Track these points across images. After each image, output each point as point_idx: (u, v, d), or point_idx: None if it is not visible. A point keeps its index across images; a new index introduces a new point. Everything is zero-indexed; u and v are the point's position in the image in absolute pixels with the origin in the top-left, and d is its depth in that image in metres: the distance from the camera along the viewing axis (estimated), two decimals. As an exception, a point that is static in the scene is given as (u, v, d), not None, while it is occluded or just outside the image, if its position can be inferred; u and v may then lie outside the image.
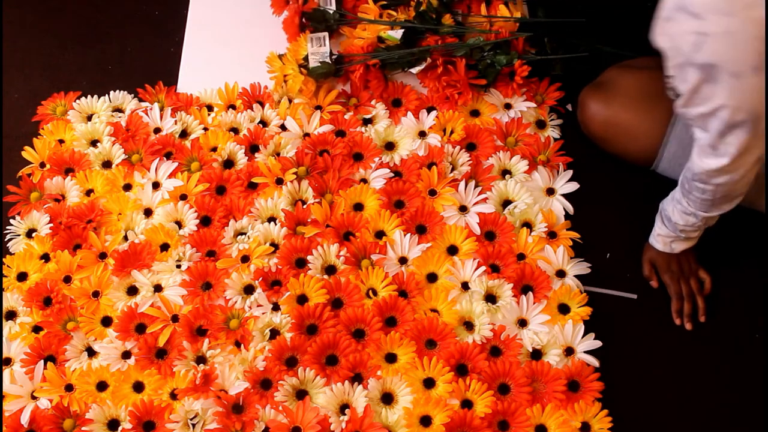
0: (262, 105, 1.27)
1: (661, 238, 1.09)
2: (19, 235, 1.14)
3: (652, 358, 1.07)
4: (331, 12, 1.30)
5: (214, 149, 1.21)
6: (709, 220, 1.03)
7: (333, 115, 1.25)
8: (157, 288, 1.09)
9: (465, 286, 1.09)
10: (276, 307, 1.07)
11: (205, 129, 1.24)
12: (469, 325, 1.06)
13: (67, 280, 1.09)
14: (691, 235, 1.06)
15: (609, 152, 1.19)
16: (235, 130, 1.24)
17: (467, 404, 1.00)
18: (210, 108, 1.27)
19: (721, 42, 0.79)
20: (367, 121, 1.25)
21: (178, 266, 1.10)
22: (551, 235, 1.14)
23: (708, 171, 0.92)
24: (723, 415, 1.03)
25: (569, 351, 1.04)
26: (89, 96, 1.28)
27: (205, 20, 1.39)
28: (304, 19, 1.31)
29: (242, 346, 1.04)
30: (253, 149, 1.21)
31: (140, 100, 1.29)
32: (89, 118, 1.26)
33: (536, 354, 1.04)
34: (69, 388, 1.01)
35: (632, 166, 1.19)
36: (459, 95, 1.24)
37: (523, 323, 1.06)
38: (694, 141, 0.93)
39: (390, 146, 1.23)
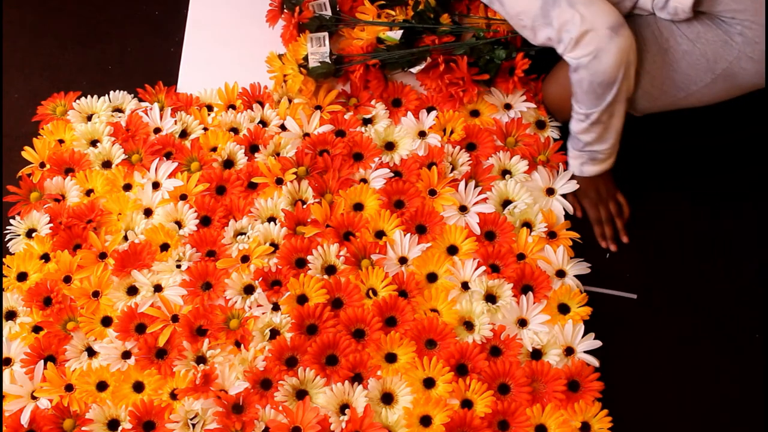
0: (262, 105, 1.27)
1: (573, 162, 1.13)
2: (19, 235, 1.14)
3: (652, 358, 1.07)
4: (327, 18, 1.30)
5: (214, 149, 1.21)
6: (605, 127, 1.07)
7: (333, 115, 1.25)
8: (157, 288, 1.09)
9: (465, 286, 1.09)
10: (276, 307, 1.07)
11: (205, 129, 1.24)
12: (469, 325, 1.06)
13: (67, 280, 1.09)
14: (597, 154, 1.10)
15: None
16: (235, 130, 1.24)
17: (467, 404, 1.00)
18: (210, 108, 1.27)
19: None
20: (367, 121, 1.25)
21: (178, 266, 1.10)
22: (551, 235, 1.14)
23: (566, 56, 1.01)
24: (723, 415, 1.03)
25: (569, 351, 1.04)
26: (89, 96, 1.28)
27: (205, 20, 1.39)
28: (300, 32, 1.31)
29: (242, 346, 1.04)
30: (253, 149, 1.21)
31: (140, 100, 1.29)
32: (89, 118, 1.26)
33: (536, 354, 1.04)
34: (69, 388, 1.01)
35: (632, 166, 1.20)
36: (464, 93, 1.24)
37: (523, 323, 1.06)
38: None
39: (390, 146, 1.23)
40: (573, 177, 1.17)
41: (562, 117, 1.23)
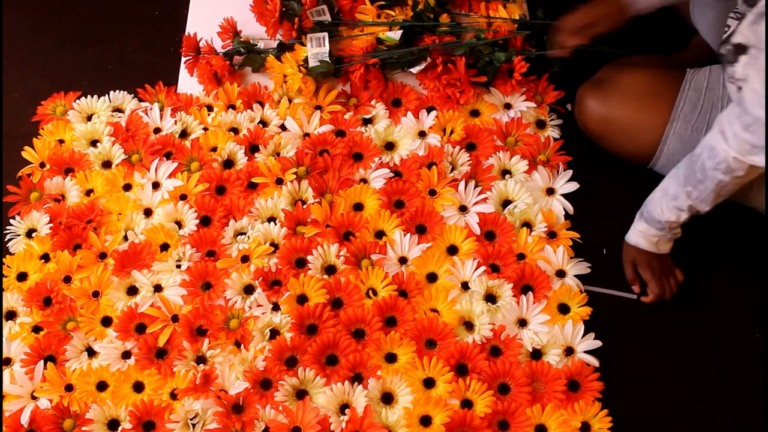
0: (262, 105, 1.27)
1: (646, 239, 1.08)
2: (19, 235, 1.14)
3: (652, 358, 1.07)
4: (327, 23, 1.30)
5: (214, 149, 1.21)
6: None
7: (333, 115, 1.25)
8: (157, 288, 1.09)
9: (465, 285, 1.09)
10: (276, 307, 1.07)
11: (205, 129, 1.24)
12: (469, 325, 1.06)
13: (67, 280, 1.09)
14: (675, 233, 1.07)
15: (607, 150, 1.19)
16: (235, 130, 1.24)
17: (467, 404, 1.00)
18: (210, 108, 1.27)
19: None
20: (367, 121, 1.25)
21: (178, 266, 1.10)
22: (551, 234, 1.14)
23: (742, 155, 0.91)
24: (723, 415, 1.03)
25: (569, 351, 1.04)
26: (89, 96, 1.28)
27: (205, 20, 1.39)
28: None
29: (242, 346, 1.04)
30: (253, 149, 1.21)
31: (140, 100, 1.29)
32: (89, 118, 1.26)
33: (536, 354, 1.04)
34: (69, 388, 1.01)
35: (632, 166, 1.20)
36: (460, 94, 1.24)
37: (523, 323, 1.06)
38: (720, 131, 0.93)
39: (390, 146, 1.23)
40: (630, 247, 1.10)
41: (607, 145, 1.18)
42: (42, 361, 1.02)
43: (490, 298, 1.08)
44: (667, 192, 1.03)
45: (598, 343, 1.05)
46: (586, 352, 1.04)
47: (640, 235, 1.08)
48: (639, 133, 1.14)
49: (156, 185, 1.18)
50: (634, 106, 1.14)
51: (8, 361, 1.04)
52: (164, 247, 1.12)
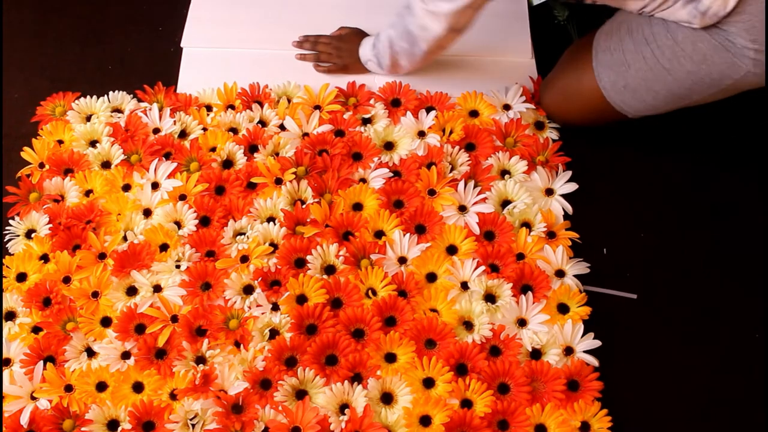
0: (261, 105, 1.27)
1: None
2: (18, 236, 1.14)
3: (652, 358, 1.07)
4: None
5: (213, 149, 1.21)
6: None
7: (332, 115, 1.25)
8: (157, 288, 1.09)
9: (464, 285, 1.08)
10: (275, 307, 1.07)
11: (204, 129, 1.24)
12: (468, 325, 1.06)
13: (67, 280, 1.09)
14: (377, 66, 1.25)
15: (578, 124, 1.23)
16: (234, 130, 1.24)
17: (467, 404, 1.00)
18: (209, 108, 1.27)
19: None
20: (366, 121, 1.25)
21: (178, 266, 1.10)
22: (550, 235, 1.14)
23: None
24: (723, 415, 1.03)
25: (569, 350, 1.04)
26: (88, 96, 1.28)
27: (205, 20, 1.39)
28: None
29: (242, 346, 1.03)
30: (252, 149, 1.21)
31: (139, 101, 1.29)
32: (88, 118, 1.26)
33: (536, 354, 1.04)
34: (68, 388, 1.01)
35: (632, 165, 1.20)
36: None
37: (522, 323, 1.06)
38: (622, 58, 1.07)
39: (389, 146, 1.23)
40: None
41: (562, 121, 1.25)
42: (41, 362, 1.02)
43: (490, 297, 1.08)
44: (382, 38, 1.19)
45: (597, 343, 1.05)
46: (586, 351, 1.04)
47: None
48: (582, 90, 1.16)
49: (155, 185, 1.18)
50: (567, 74, 1.20)
51: (8, 362, 1.04)
52: (163, 247, 1.12)
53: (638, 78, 1.07)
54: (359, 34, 1.30)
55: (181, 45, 1.36)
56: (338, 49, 1.30)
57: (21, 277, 1.10)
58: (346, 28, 1.33)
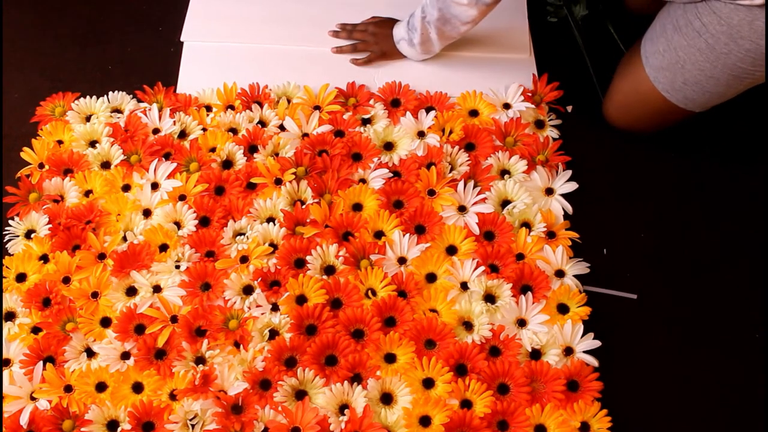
0: (261, 105, 1.27)
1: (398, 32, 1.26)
2: (18, 236, 1.14)
3: (652, 358, 1.07)
4: None
5: (213, 150, 1.21)
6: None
7: (332, 115, 1.24)
8: (156, 289, 1.09)
9: (464, 286, 1.08)
10: (275, 308, 1.07)
11: (204, 129, 1.24)
12: (468, 325, 1.06)
13: (66, 280, 1.09)
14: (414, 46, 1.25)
15: (651, 131, 1.24)
16: (233, 131, 1.24)
17: (467, 404, 1.00)
18: (209, 108, 1.27)
19: None
20: (365, 121, 1.25)
21: (177, 267, 1.10)
22: (550, 235, 1.14)
23: None
24: (723, 416, 1.03)
25: (568, 351, 1.04)
26: (88, 96, 1.28)
27: (205, 20, 1.39)
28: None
29: (241, 346, 1.03)
30: (251, 149, 1.21)
31: (139, 101, 1.29)
32: (88, 118, 1.26)
33: (535, 354, 1.04)
34: (68, 389, 1.01)
35: (631, 166, 1.20)
36: None
37: (522, 323, 1.06)
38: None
39: (389, 146, 1.23)
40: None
41: (635, 132, 1.25)
42: (41, 362, 1.02)
43: (490, 298, 1.08)
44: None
45: (597, 343, 1.05)
46: (586, 352, 1.04)
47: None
48: (645, 102, 1.17)
49: (155, 186, 1.18)
50: (627, 94, 1.19)
51: (7, 362, 1.04)
52: (163, 247, 1.12)
53: (695, 70, 1.07)
54: (392, 20, 1.31)
55: (181, 39, 1.36)
56: (375, 35, 1.30)
57: (21, 278, 1.10)
58: (378, 17, 1.33)
